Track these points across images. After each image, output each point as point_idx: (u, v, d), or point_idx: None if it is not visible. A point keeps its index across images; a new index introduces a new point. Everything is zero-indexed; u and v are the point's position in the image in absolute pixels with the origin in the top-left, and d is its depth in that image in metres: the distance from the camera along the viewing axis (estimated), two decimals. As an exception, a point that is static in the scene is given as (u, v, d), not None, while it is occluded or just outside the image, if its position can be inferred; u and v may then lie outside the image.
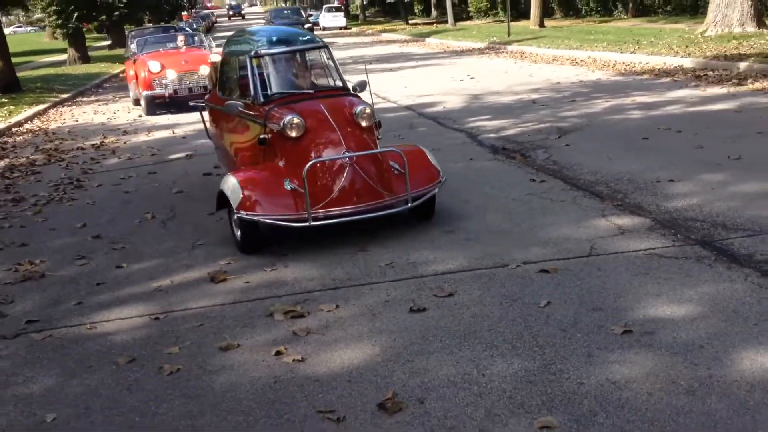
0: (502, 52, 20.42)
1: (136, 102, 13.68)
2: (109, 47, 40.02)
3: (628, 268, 4.00)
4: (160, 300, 4.16)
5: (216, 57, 10.92)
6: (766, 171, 5.69)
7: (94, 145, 9.87)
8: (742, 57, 12.67)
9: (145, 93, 12.55)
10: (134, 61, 13.79)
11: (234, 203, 4.67)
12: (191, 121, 10.61)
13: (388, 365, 3.19)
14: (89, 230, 5.69)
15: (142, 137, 10.36)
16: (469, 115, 9.76)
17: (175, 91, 12.47)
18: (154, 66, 12.55)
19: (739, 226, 4.47)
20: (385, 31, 38.46)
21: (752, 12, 16.52)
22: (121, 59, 21.66)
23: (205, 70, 12.38)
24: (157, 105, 12.75)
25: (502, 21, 33.27)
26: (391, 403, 2.86)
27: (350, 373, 3.15)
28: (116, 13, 32.12)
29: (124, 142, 9.99)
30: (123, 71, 17.71)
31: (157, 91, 12.48)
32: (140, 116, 12.65)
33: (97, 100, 16.34)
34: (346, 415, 2.82)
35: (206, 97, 7.12)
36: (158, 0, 39.38)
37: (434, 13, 46.34)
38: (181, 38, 14.80)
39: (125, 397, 3.13)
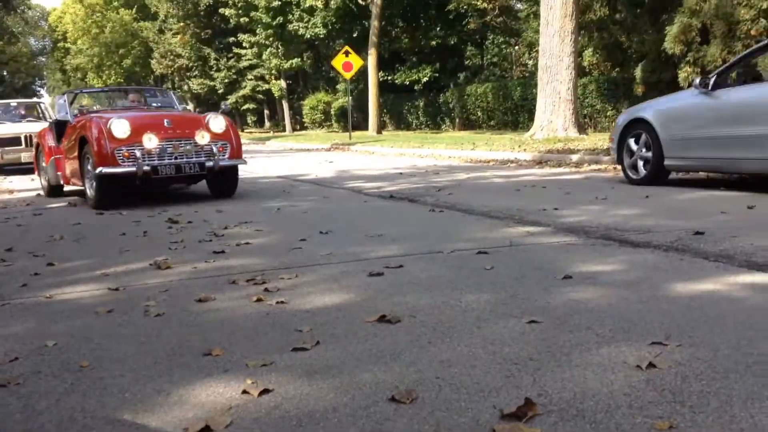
0: (349, 150, 21.46)
1: (55, 190, 9.72)
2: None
3: (550, 249, 4.55)
4: (110, 281, 4.17)
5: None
6: (635, 203, 6.58)
7: (-46, 201, 9.38)
8: (572, 151, 14.28)
9: (100, 170, 7.61)
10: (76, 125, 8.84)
11: None
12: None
13: (368, 302, 3.45)
14: (-4, 246, 5.51)
15: (6, 196, 9.97)
16: (344, 180, 10.31)
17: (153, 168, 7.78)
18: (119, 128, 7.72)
19: (630, 229, 5.19)
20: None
21: (573, 119, 18.65)
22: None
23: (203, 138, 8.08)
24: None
25: (336, 131, 34.90)
26: (389, 317, 3.14)
27: (337, 307, 3.39)
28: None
29: (-11, 199, 9.58)
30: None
31: (122, 168, 7.66)
32: (-7, 185, 12.11)
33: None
34: (349, 328, 3.06)
35: None
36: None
37: (268, 123, 47.61)
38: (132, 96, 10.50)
39: (120, 330, 3.17)
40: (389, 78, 32.65)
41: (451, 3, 27.90)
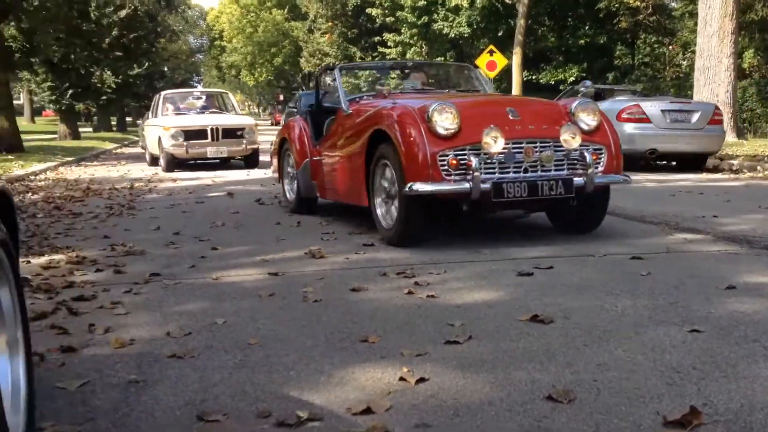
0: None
1: (304, 204, 6.91)
2: (94, 130, 40.63)
3: (710, 258, 4.37)
4: (270, 266, 4.39)
5: None
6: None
7: (125, 187, 10.13)
8: (731, 157, 13.54)
9: (411, 187, 4.69)
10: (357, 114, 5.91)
11: None
12: (214, 176, 10.95)
13: (519, 301, 3.46)
14: (165, 231, 5.91)
15: (169, 183, 10.65)
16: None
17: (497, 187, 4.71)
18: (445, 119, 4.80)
19: (798, 241, 4.87)
20: None
21: (732, 123, 17.68)
22: (110, 140, 22.07)
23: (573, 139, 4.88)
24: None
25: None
26: (542, 317, 3.13)
27: (487, 304, 3.42)
28: (104, 97, 32.94)
29: (155, 185, 10.28)
30: (117, 147, 17.86)
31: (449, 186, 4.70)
32: (157, 173, 12.95)
33: (103, 164, 16.65)
34: (501, 325, 3.08)
35: None
36: (143, 88, 40.45)
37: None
38: None
39: (282, 312, 3.35)
40: (534, 77, 32.15)
41: (602, 1, 27.13)
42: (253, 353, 2.77)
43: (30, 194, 9.35)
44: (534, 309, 3.26)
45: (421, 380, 2.45)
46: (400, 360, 2.67)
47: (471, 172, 4.60)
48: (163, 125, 13.53)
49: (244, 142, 13.56)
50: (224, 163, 14.29)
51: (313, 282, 3.93)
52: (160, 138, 13.49)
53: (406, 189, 4.67)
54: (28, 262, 4.64)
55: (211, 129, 13.34)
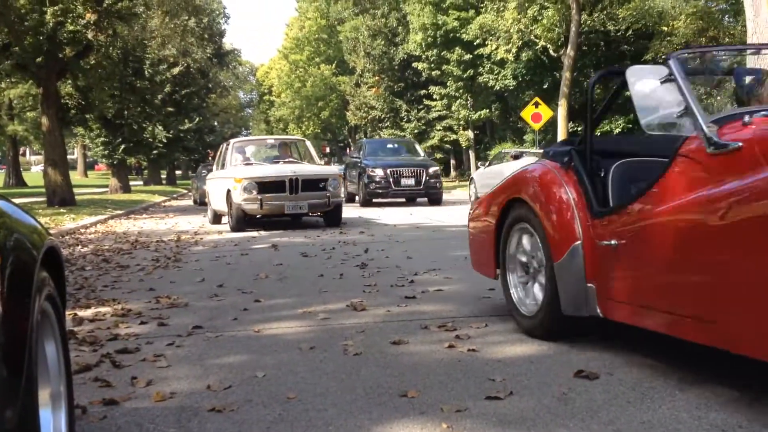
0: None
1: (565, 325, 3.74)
2: (144, 183, 41.69)
3: None
4: (311, 319, 4.42)
5: None
6: None
7: (171, 239, 10.32)
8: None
9: None
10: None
11: None
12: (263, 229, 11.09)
13: (562, 355, 3.40)
14: (210, 283, 5.99)
15: (216, 236, 10.82)
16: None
17: None
18: None
19: None
20: None
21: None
22: (159, 193, 22.55)
23: None
24: None
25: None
26: (585, 372, 3.08)
27: (529, 358, 3.38)
28: (155, 151, 33.85)
29: (201, 238, 10.45)
30: (166, 200, 18.06)
31: None
32: (203, 225, 13.17)
33: (152, 216, 17.02)
34: (542, 380, 3.03)
35: None
36: (193, 142, 41.54)
37: (453, 173, 48.35)
38: None
39: (322, 366, 3.35)
40: (579, 129, 32.17)
41: (648, 53, 27.09)
42: (292, 407, 2.77)
43: (80, 247, 9.58)
44: (577, 364, 3.21)
45: (460, 437, 2.42)
46: (440, 416, 2.64)
47: None
48: (234, 176, 11.67)
49: (328, 194, 11.69)
50: (297, 221, 12.61)
51: (354, 335, 3.94)
52: (229, 191, 11.72)
53: None
54: (75, 314, 4.74)
55: (289, 180, 11.47)
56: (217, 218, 13.55)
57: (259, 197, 11.35)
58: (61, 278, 2.38)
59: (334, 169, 14.30)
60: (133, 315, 4.71)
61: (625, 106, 30.93)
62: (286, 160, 13.06)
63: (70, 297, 5.39)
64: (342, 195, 12.90)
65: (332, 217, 12.03)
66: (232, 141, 13.85)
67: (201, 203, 20.91)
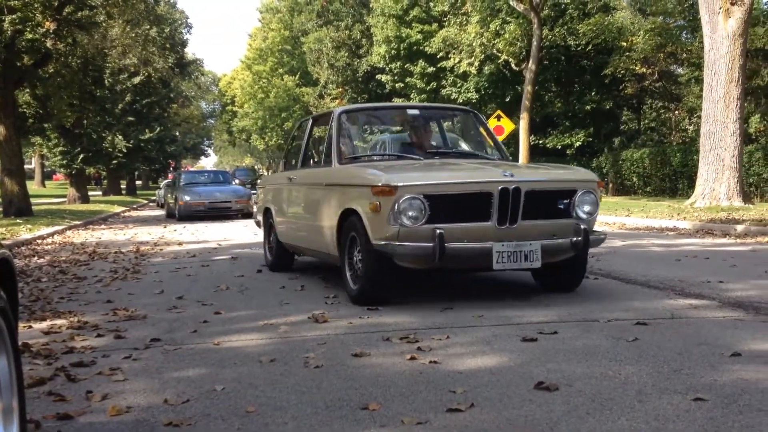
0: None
1: None
2: (104, 193, 41.07)
3: (715, 324, 4.32)
4: (272, 331, 4.37)
5: None
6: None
7: (130, 250, 10.16)
8: (737, 221, 13.50)
9: None
10: None
11: None
12: (220, 238, 10.96)
13: (522, 367, 3.42)
14: (169, 295, 5.91)
15: (176, 247, 10.68)
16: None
17: None
18: None
19: (803, 306, 4.83)
20: None
21: (738, 188, 17.68)
22: (119, 203, 22.20)
23: None
24: None
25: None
26: (546, 384, 3.09)
27: (490, 370, 3.38)
28: (114, 161, 33.39)
29: (161, 249, 10.31)
30: (125, 210, 17.84)
31: None
32: (163, 237, 13.00)
33: (110, 227, 16.75)
34: (503, 392, 3.03)
35: None
36: (154, 152, 41.08)
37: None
38: None
39: (283, 378, 3.32)
40: (540, 142, 32.47)
41: (608, 68, 27.51)
42: (252, 422, 2.73)
43: (36, 258, 9.39)
44: (538, 376, 3.23)
45: (421, 450, 2.41)
46: (401, 428, 2.63)
47: None
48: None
49: None
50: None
51: (315, 347, 3.91)
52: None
53: None
54: (30, 327, 4.64)
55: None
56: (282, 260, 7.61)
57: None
58: (13, 290, 2.32)
59: None
60: (89, 327, 4.62)
61: (585, 121, 31.40)
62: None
63: (24, 309, 5.27)
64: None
65: None
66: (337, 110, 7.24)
67: (170, 215, 20.45)
